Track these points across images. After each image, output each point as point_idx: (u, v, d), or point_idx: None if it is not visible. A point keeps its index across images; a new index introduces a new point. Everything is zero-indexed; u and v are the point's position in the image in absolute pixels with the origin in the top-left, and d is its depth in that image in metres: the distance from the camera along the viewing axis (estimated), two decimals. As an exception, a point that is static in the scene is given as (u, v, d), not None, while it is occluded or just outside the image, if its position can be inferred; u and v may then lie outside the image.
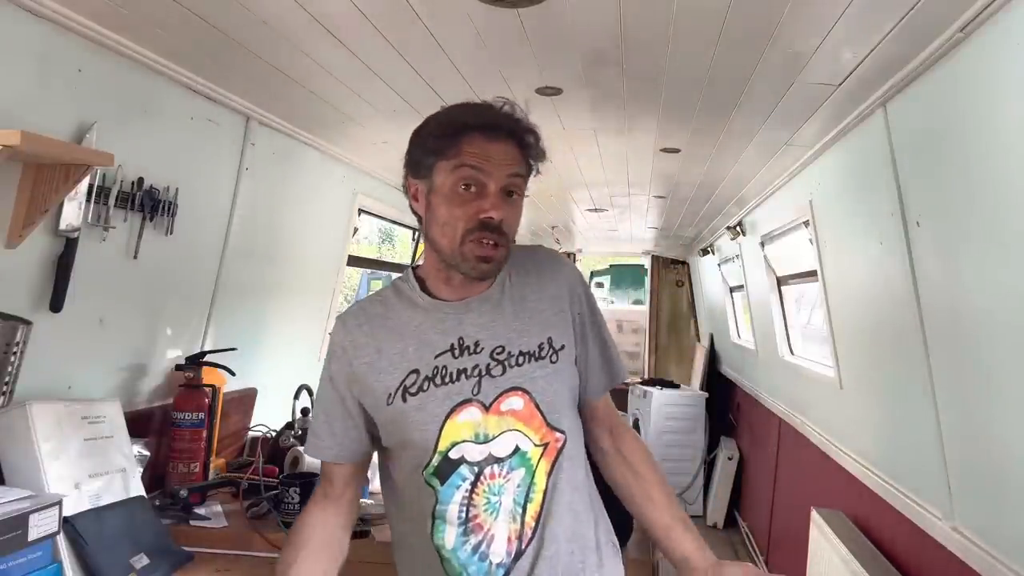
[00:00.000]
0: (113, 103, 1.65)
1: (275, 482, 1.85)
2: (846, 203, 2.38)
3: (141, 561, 1.48)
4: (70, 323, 1.62)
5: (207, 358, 2.01)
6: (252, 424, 2.36)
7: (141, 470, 1.69)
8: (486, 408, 1.14)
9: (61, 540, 1.35)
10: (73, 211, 1.58)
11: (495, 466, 1.13)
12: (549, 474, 1.16)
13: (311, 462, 2.00)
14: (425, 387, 1.15)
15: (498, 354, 1.16)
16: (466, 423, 1.13)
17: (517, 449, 1.14)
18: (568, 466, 1.18)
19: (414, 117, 2.19)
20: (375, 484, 2.04)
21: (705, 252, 5.72)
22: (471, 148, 1.13)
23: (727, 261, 5.15)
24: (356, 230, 3.20)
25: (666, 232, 5.45)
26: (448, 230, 1.14)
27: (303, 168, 2.56)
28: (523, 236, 6.85)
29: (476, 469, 1.13)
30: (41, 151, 1.37)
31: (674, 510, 1.24)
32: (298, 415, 2.29)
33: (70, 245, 1.59)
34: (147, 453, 1.78)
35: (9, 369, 1.37)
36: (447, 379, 1.15)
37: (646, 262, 7.46)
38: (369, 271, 10.91)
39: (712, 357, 6.24)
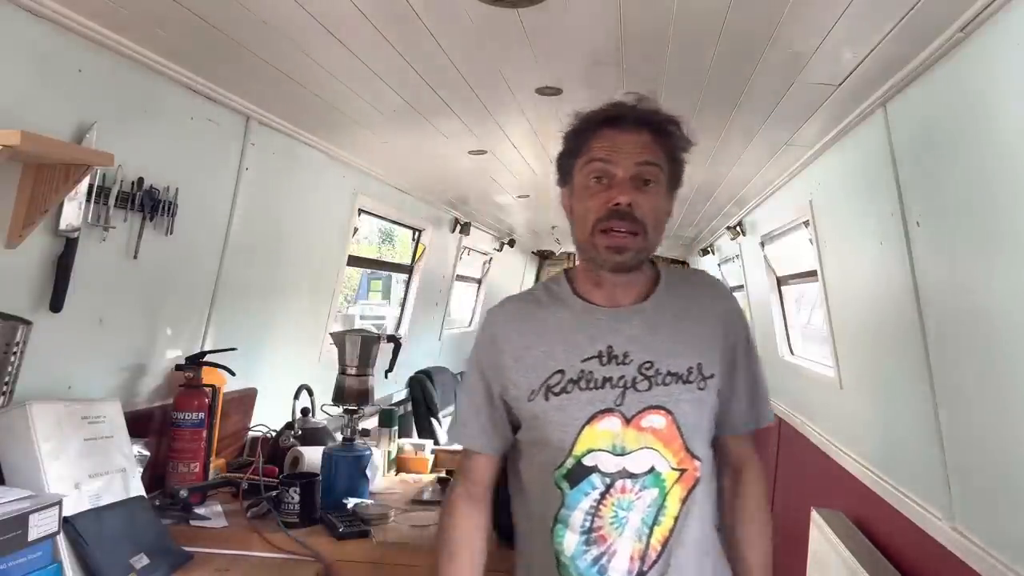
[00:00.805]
0: (113, 103, 1.65)
1: (275, 482, 1.85)
2: (846, 203, 2.38)
3: (141, 561, 1.48)
4: (70, 323, 1.62)
5: (207, 358, 2.01)
6: (252, 424, 2.36)
7: (141, 470, 1.69)
8: (627, 421, 1.13)
9: (61, 540, 1.35)
10: (73, 211, 1.58)
11: (628, 481, 1.12)
12: (683, 501, 1.14)
13: (311, 461, 2.00)
14: (569, 389, 1.15)
15: (646, 369, 1.14)
16: (605, 432, 1.12)
17: (652, 469, 1.12)
18: (702, 497, 1.16)
19: (414, 117, 2.22)
20: (375, 484, 2.05)
21: (705, 252, 5.72)
22: (599, 142, 1.16)
23: (727, 261, 5.14)
24: (356, 230, 3.20)
25: (666, 232, 5.45)
26: (582, 223, 1.16)
27: (303, 168, 2.55)
28: (524, 236, 6.82)
29: (608, 480, 1.12)
30: (41, 151, 1.37)
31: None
32: (298, 415, 2.29)
33: (70, 245, 1.59)
34: (147, 453, 1.78)
35: (9, 369, 1.37)
36: (591, 385, 1.14)
37: (646, 262, 7.44)
38: (369, 271, 10.92)
39: (712, 357, 6.22)
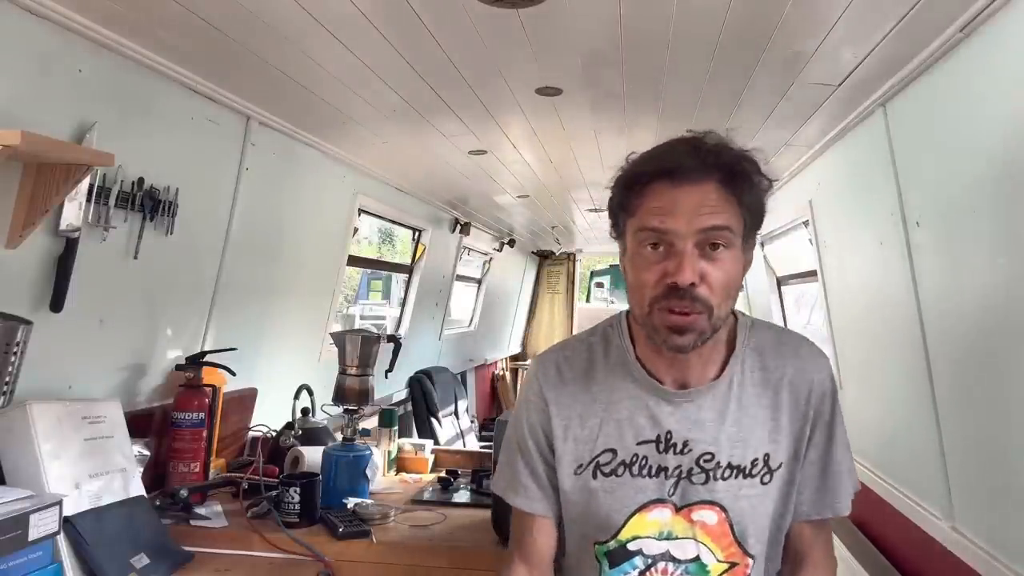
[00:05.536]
0: (113, 103, 1.65)
1: (275, 482, 1.85)
2: (846, 203, 2.38)
3: (141, 561, 1.48)
4: (70, 323, 1.62)
5: (207, 358, 2.01)
6: (252, 424, 2.36)
7: (141, 470, 1.69)
8: (677, 510, 1.04)
9: (61, 540, 1.35)
10: (73, 211, 1.58)
11: (670, 564, 1.04)
12: None
13: (311, 461, 2.00)
14: (620, 472, 1.05)
15: (706, 461, 1.03)
16: (655, 521, 1.04)
17: (698, 558, 1.04)
18: None
19: (414, 117, 2.23)
20: (375, 484, 2.05)
21: (705, 252, 5.71)
22: (654, 201, 0.96)
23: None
24: (356, 230, 3.20)
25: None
26: (636, 297, 1.01)
27: (303, 168, 2.55)
28: (524, 236, 6.81)
29: (649, 561, 1.05)
30: (41, 151, 1.37)
31: None
32: (298, 415, 2.29)
33: (70, 245, 1.59)
34: (147, 453, 1.78)
35: (9, 369, 1.37)
36: (645, 472, 1.04)
37: (646, 262, 7.44)
38: (369, 271, 10.93)
39: (712, 357, 6.21)
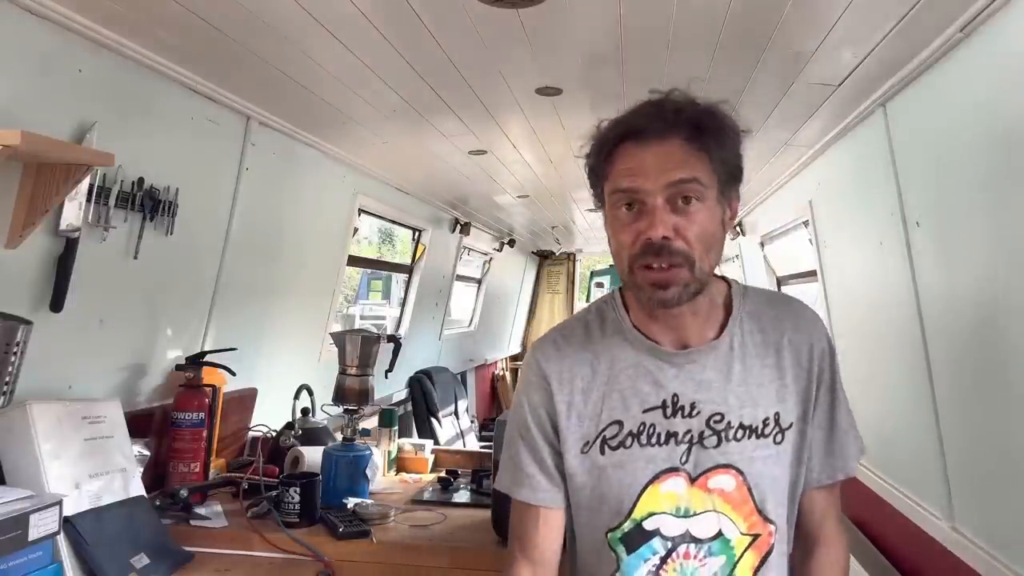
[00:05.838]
0: (113, 103, 1.65)
1: (275, 482, 1.85)
2: (846, 203, 2.38)
3: (141, 561, 1.48)
4: (70, 323, 1.62)
5: (207, 358, 2.01)
6: (252, 424, 2.36)
7: (141, 470, 1.69)
8: (692, 480, 1.00)
9: (61, 540, 1.35)
10: (73, 211, 1.58)
11: (691, 546, 1.00)
12: (756, 570, 1.02)
13: (311, 461, 2.00)
14: (628, 443, 1.01)
15: (716, 422, 1.00)
16: (669, 494, 1.00)
17: (720, 534, 1.00)
18: (777, 563, 1.03)
19: (414, 117, 2.23)
20: (375, 484, 2.05)
21: (705, 252, 5.70)
22: (623, 163, 1.00)
23: (727, 261, 5.14)
24: (356, 230, 3.20)
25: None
26: (618, 260, 1.02)
27: (303, 168, 2.56)
28: (524, 236, 6.80)
29: (669, 544, 1.00)
30: (41, 151, 1.37)
31: None
32: (298, 415, 2.29)
33: (70, 245, 1.59)
34: (147, 453, 1.78)
35: (9, 369, 1.37)
36: (654, 440, 1.01)
37: (646, 262, 7.44)
38: (369, 271, 10.93)
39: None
